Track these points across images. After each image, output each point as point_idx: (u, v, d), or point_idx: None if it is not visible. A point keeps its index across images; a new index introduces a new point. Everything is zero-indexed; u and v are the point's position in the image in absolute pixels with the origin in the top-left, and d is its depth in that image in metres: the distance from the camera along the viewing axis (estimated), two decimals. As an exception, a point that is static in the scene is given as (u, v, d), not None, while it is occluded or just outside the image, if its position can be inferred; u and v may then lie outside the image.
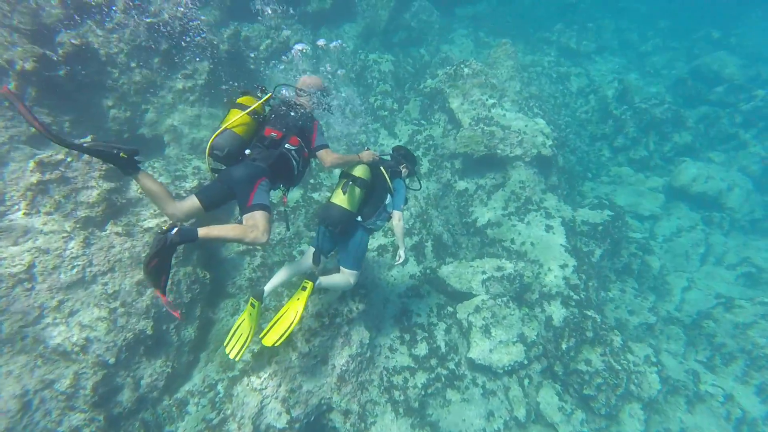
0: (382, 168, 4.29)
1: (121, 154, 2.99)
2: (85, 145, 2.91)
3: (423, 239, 7.23)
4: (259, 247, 3.45)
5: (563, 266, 6.59)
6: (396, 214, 4.34)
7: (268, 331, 4.01)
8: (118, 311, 4.54)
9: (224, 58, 9.39)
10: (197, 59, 8.64)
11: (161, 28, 7.75)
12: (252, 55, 10.20)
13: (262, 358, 4.85)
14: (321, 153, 3.80)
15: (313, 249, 4.47)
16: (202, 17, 10.34)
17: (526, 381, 5.71)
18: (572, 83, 12.52)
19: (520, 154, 7.67)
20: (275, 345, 3.87)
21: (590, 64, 14.56)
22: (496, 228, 7.20)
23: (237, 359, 4.08)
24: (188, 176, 6.94)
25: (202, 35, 8.87)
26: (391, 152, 4.84)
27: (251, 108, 3.53)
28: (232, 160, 3.50)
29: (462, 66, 8.91)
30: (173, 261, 3.61)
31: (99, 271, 4.60)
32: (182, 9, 8.16)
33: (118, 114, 7.33)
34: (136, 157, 3.10)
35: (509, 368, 5.62)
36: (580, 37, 15.20)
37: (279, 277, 4.37)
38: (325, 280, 4.21)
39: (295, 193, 8.03)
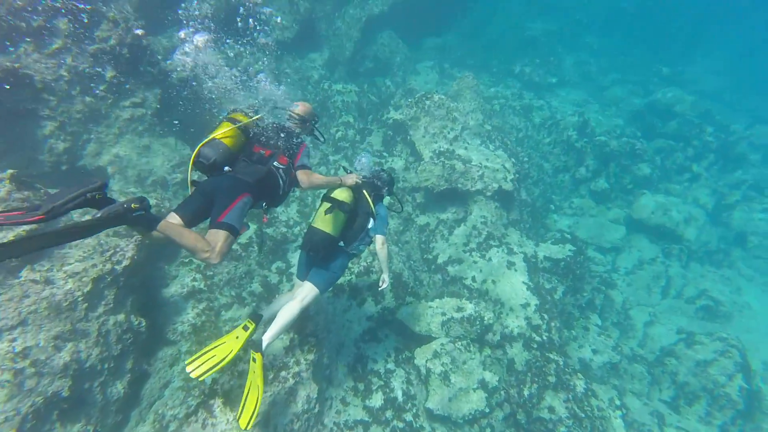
0: (365, 191, 4.23)
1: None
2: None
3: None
4: (205, 263, 3.30)
5: (525, 305, 6.40)
6: (379, 239, 4.22)
7: (241, 410, 3.77)
8: (26, 372, 4.00)
9: (178, 86, 9.04)
10: (148, 87, 8.28)
11: (107, 54, 7.37)
12: (210, 83, 9.87)
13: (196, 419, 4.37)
14: (300, 173, 3.77)
15: (300, 282, 4.34)
16: (161, 41, 10.03)
17: (487, 431, 5.39)
18: (535, 116, 12.70)
19: (481, 189, 7.55)
20: (248, 428, 3.67)
21: (552, 96, 14.90)
22: (457, 265, 6.98)
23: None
24: (130, 211, 6.44)
25: (154, 61, 8.53)
26: (370, 174, 4.67)
27: (243, 123, 3.53)
28: (215, 171, 3.42)
29: (424, 99, 8.84)
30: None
31: (5, 326, 4.07)
32: (131, 35, 7.82)
33: (55, 144, 6.83)
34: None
35: (470, 417, 5.30)
36: (542, 71, 15.61)
37: (271, 309, 4.33)
38: (269, 335, 3.89)
39: (249, 232, 7.63)
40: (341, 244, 4.10)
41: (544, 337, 6.06)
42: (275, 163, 3.61)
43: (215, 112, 9.99)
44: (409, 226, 7.84)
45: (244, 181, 3.39)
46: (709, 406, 6.34)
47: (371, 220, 4.21)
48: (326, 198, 4.13)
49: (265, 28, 11.63)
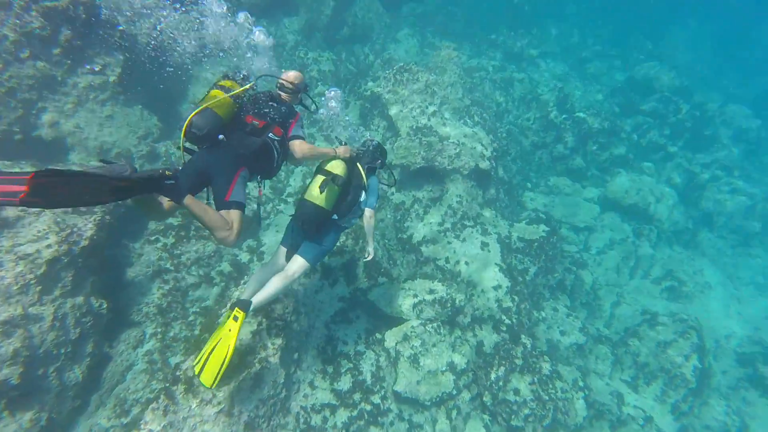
0: (358, 164, 4.20)
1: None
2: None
3: (355, 256, 6.83)
4: (218, 243, 3.25)
5: (497, 287, 6.44)
6: (368, 212, 4.23)
7: (202, 367, 3.68)
8: (-29, 362, 3.82)
9: (143, 53, 8.49)
10: (109, 52, 7.74)
11: (60, 13, 6.82)
12: (170, 50, 9.30)
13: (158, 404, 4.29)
14: (294, 143, 3.74)
15: (284, 249, 4.30)
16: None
17: (454, 412, 5.49)
18: (515, 89, 12.51)
19: (458, 167, 7.43)
20: (214, 385, 3.58)
21: (534, 69, 14.66)
22: (431, 245, 6.93)
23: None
24: (90, 186, 6.12)
25: (117, 23, 7.95)
26: (363, 146, 4.58)
27: (235, 92, 3.39)
28: (208, 141, 3.31)
29: (402, 71, 8.55)
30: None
31: (-53, 315, 3.85)
32: (88, -7, 7.22)
33: (4, 112, 6.37)
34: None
35: (437, 400, 5.37)
36: (525, 42, 15.29)
37: (256, 281, 4.24)
38: (259, 299, 3.95)
39: (217, 204, 7.38)
40: (334, 217, 4.03)
41: (514, 320, 6.14)
42: (270, 135, 3.56)
43: (185, 78, 9.48)
44: (384, 204, 7.71)
45: (240, 153, 3.35)
46: (665, 385, 6.62)
47: (363, 193, 4.18)
48: (319, 170, 4.03)
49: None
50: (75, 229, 4.92)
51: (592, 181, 10.87)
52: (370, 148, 4.50)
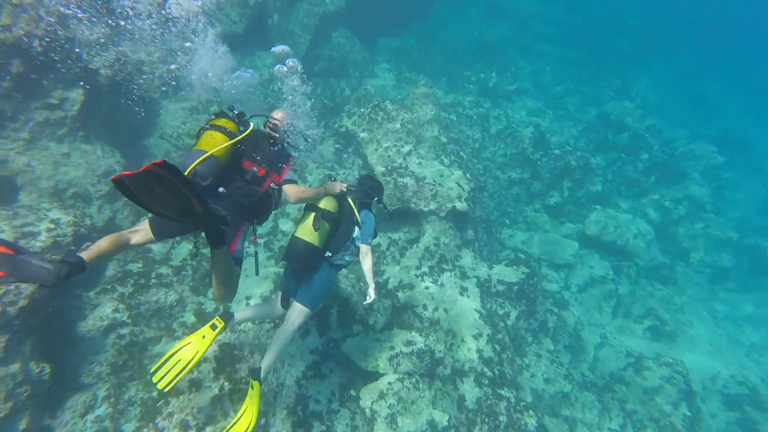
0: (349, 199, 4.15)
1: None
2: None
3: (328, 304, 6.45)
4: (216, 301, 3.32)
5: (477, 336, 6.14)
6: (363, 248, 4.06)
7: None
8: None
9: (105, 86, 8.15)
10: (68, 86, 7.37)
11: (12, 46, 6.47)
12: (141, 81, 8.98)
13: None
14: (287, 187, 3.57)
15: (280, 293, 4.26)
16: (88, 35, 9.03)
17: (435, 478, 5.07)
18: (491, 125, 12.58)
19: (434, 209, 7.22)
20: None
21: (509, 105, 14.87)
22: (408, 291, 6.61)
23: (166, 390, 3.50)
24: (40, 233, 5.67)
25: (77, 57, 7.61)
26: (357, 182, 4.52)
27: (240, 137, 3.18)
28: (209, 191, 3.11)
29: (378, 109, 8.41)
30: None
31: None
32: (45, 24, 6.90)
33: (-57, 150, 5.90)
34: None
35: (417, 463, 4.96)
36: (500, 79, 15.55)
37: (248, 312, 4.26)
38: (267, 362, 3.88)
39: (182, 248, 6.96)
40: (328, 254, 3.94)
41: (496, 372, 5.82)
42: (272, 184, 3.44)
43: (143, 114, 9.11)
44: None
45: (242, 205, 3.21)
46: (656, 435, 6.36)
47: (356, 229, 4.07)
48: (310, 207, 3.95)
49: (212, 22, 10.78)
50: (11, 288, 4.42)
51: (569, 217, 10.85)
52: (364, 183, 4.45)
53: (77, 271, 2.45)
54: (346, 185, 4.24)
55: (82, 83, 7.52)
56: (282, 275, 4.34)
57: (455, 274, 6.90)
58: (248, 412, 3.70)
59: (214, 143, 3.11)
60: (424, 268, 6.90)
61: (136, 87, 9.14)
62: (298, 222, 3.96)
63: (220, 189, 3.14)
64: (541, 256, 9.69)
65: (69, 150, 7.14)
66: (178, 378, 3.43)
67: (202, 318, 6.27)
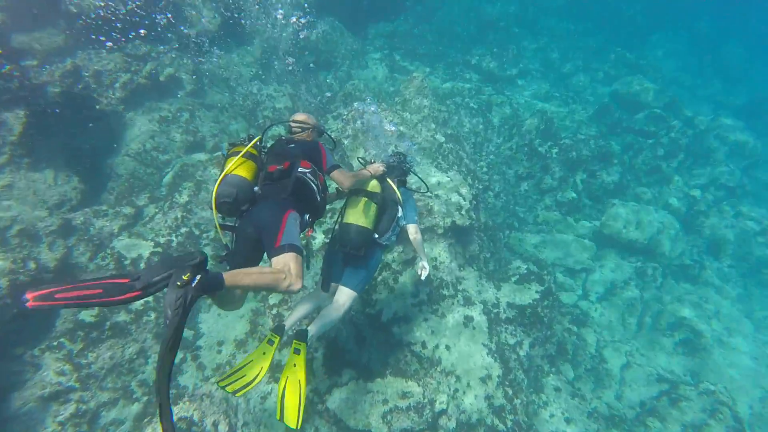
0: (389, 180, 4.18)
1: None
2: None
3: (314, 347, 5.59)
4: (287, 295, 3.29)
5: (485, 379, 5.25)
6: (411, 227, 4.21)
7: (281, 411, 3.38)
8: None
9: (56, 104, 7.24)
10: (6, 107, 6.49)
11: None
12: (95, 94, 8.06)
13: None
14: (335, 174, 3.64)
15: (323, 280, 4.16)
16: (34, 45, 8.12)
17: None
18: (495, 114, 11.50)
19: (432, 225, 6.28)
20: (299, 424, 3.30)
21: (513, 89, 13.72)
22: (404, 324, 5.73)
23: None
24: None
25: (16, 72, 6.73)
26: (393, 160, 4.53)
27: (246, 149, 3.19)
28: (244, 204, 3.08)
29: (363, 111, 7.42)
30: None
31: None
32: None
33: None
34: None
35: None
36: (502, 60, 14.36)
37: (298, 313, 4.11)
38: (315, 328, 3.73)
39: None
40: (375, 236, 3.94)
41: (509, 423, 4.94)
42: (300, 169, 3.36)
43: (105, 131, 8.19)
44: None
45: (280, 199, 3.16)
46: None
47: (399, 208, 4.14)
48: (355, 191, 3.96)
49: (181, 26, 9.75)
50: None
51: (585, 213, 9.82)
52: (396, 161, 4.49)
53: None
54: (385, 165, 4.19)
55: (24, 103, 6.66)
56: (324, 260, 4.22)
57: (457, 300, 5.99)
58: (292, 383, 3.46)
59: (229, 166, 3.14)
60: (422, 296, 5.99)
61: (98, 100, 8.26)
62: (344, 207, 3.95)
63: (255, 188, 3.12)
64: (555, 262, 8.73)
65: (11, 181, 6.30)
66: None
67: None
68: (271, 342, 3.72)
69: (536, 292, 6.56)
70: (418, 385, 5.06)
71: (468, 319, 5.83)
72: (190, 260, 2.12)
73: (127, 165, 8.01)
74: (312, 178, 3.43)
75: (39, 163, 6.74)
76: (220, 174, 3.10)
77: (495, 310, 6.14)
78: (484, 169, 9.54)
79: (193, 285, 2.08)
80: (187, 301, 2.04)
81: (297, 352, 3.53)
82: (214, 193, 3.00)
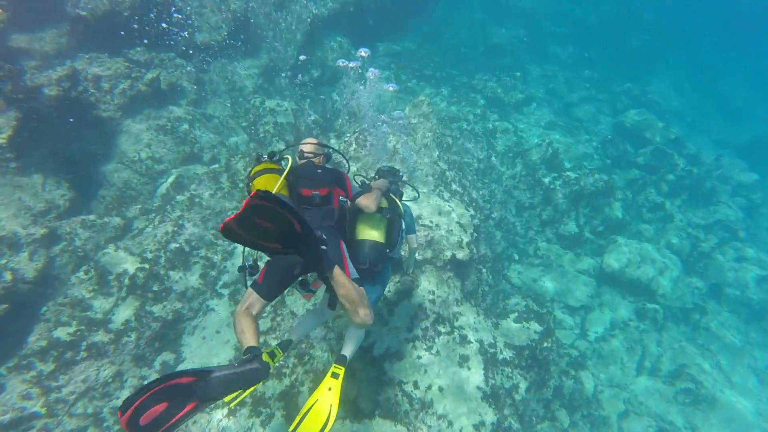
0: (391, 195, 4.27)
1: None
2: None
3: (297, 379, 5.30)
4: (359, 324, 3.00)
5: (479, 426, 4.97)
6: (412, 237, 4.41)
7: (296, 426, 3.24)
8: None
9: (51, 107, 7.03)
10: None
11: None
12: (93, 99, 7.85)
13: None
14: (361, 200, 3.69)
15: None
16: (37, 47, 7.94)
17: None
18: (498, 142, 11.38)
19: (430, 258, 6.05)
20: None
21: (518, 116, 13.62)
22: (396, 361, 5.45)
23: None
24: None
25: (8, 75, 6.52)
26: (377, 175, 4.59)
27: (288, 169, 3.26)
28: None
29: (366, 134, 7.24)
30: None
31: None
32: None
33: None
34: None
35: None
36: (508, 86, 14.30)
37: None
38: (348, 351, 3.76)
39: (126, 308, 5.82)
40: (387, 251, 3.95)
41: (502, 478, 4.65)
42: (340, 198, 3.49)
43: (100, 137, 7.96)
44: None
45: (327, 226, 3.24)
46: None
47: (402, 221, 4.21)
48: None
49: (182, 33, 9.61)
50: None
51: (586, 248, 9.62)
52: (391, 174, 4.57)
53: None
54: (387, 181, 4.26)
55: (16, 106, 6.44)
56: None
57: (453, 338, 5.73)
58: (322, 405, 3.34)
59: (273, 182, 3.13)
60: (417, 331, 5.73)
61: (96, 105, 8.04)
62: (353, 224, 3.89)
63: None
64: (555, 297, 8.50)
65: (-2, 187, 6.03)
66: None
67: (142, 400, 5.14)
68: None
69: (535, 332, 6.32)
70: (407, 430, 4.77)
71: (464, 359, 5.57)
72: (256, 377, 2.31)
73: (120, 173, 7.78)
74: (346, 206, 3.59)
75: (27, 168, 6.50)
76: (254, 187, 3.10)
77: (492, 350, 5.88)
78: (486, 197, 9.35)
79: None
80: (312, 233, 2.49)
81: (335, 376, 3.50)
82: None
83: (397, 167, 5.13)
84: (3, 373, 4.85)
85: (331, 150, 4.18)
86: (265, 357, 3.41)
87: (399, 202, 4.26)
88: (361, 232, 3.84)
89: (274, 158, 3.51)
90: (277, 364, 3.74)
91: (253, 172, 3.32)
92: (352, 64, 9.41)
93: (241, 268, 3.22)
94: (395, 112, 8.75)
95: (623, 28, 22.49)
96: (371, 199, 3.73)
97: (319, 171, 3.60)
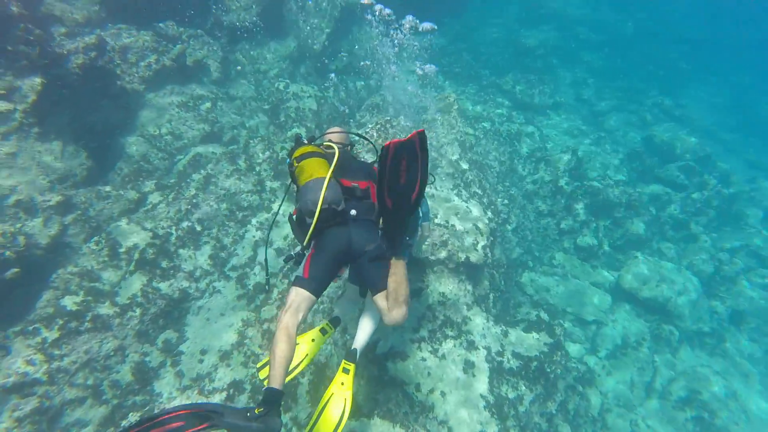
0: None
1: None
2: None
3: (303, 372, 5.21)
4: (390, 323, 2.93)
5: (479, 436, 4.83)
6: (426, 226, 4.37)
7: (313, 425, 3.22)
8: None
9: (76, 76, 7.03)
10: (21, 74, 6.27)
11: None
12: (118, 71, 7.84)
13: None
14: None
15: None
16: (72, 14, 7.94)
17: None
18: (523, 145, 11.11)
19: (443, 258, 5.89)
20: None
21: (544, 120, 13.31)
22: (399, 361, 5.33)
23: None
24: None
25: (36, 39, 6.49)
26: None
27: (337, 157, 3.19)
28: (341, 216, 3.05)
29: (388, 126, 7.09)
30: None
31: None
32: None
33: None
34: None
35: None
36: (536, 90, 13.94)
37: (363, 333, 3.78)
38: (360, 343, 3.61)
39: (134, 281, 5.81)
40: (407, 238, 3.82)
41: (499, 491, 4.51)
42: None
43: (123, 109, 7.94)
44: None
45: (370, 221, 3.19)
46: None
47: (419, 209, 4.17)
48: None
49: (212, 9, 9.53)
50: None
51: (603, 261, 9.34)
52: None
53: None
54: None
55: (40, 72, 6.44)
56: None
57: (460, 343, 5.58)
58: (336, 400, 3.31)
59: (323, 167, 3.09)
60: (423, 332, 5.59)
61: (121, 76, 8.03)
62: None
63: (353, 212, 3.09)
64: (567, 309, 8.27)
65: (16, 149, 6.05)
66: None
67: (142, 375, 5.13)
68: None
69: (545, 344, 6.13)
70: (406, 434, 4.66)
71: (469, 365, 5.42)
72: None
73: (139, 147, 7.77)
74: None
75: (48, 135, 6.50)
76: (305, 175, 3.06)
77: (499, 359, 5.72)
78: (505, 201, 9.13)
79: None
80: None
81: (346, 371, 3.43)
82: (322, 195, 2.90)
83: None
84: (9, 336, 4.86)
85: (360, 138, 4.22)
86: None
87: None
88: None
89: (315, 143, 3.47)
90: (329, 339, 3.94)
91: (298, 153, 3.27)
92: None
93: (289, 258, 3.17)
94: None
95: (662, 39, 21.78)
96: None
97: (355, 162, 3.58)
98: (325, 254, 3.00)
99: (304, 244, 3.05)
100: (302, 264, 3.04)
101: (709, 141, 15.84)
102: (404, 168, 2.57)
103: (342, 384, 3.36)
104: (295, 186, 3.29)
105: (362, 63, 12.05)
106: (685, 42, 22.21)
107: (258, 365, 3.88)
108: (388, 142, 2.41)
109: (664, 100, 16.43)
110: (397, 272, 2.96)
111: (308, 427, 3.19)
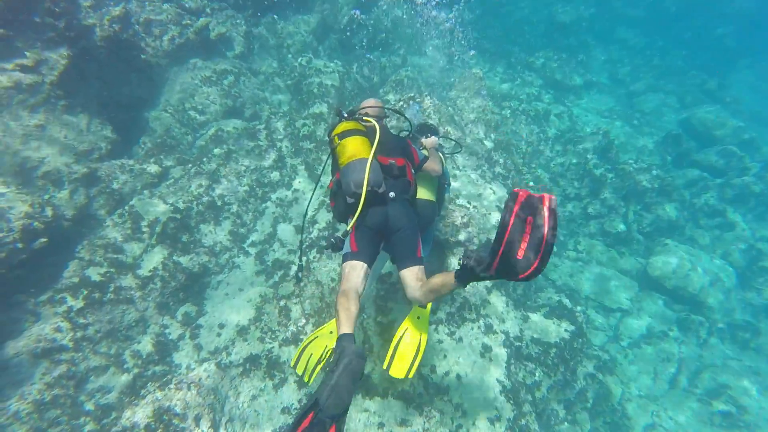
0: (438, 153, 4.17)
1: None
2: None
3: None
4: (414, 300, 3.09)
5: (493, 420, 4.77)
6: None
7: (391, 359, 3.55)
8: None
9: (101, 48, 7.05)
10: (48, 46, 6.31)
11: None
12: (143, 44, 7.83)
13: None
14: (428, 165, 3.77)
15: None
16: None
17: None
18: (551, 125, 10.72)
19: (463, 240, 5.74)
20: (411, 374, 3.51)
21: (575, 100, 12.80)
22: (416, 342, 5.27)
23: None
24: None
25: (62, 11, 6.50)
26: (415, 132, 4.31)
27: (379, 136, 3.16)
28: (381, 197, 3.10)
29: (411, 102, 6.89)
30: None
31: None
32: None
33: None
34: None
35: None
36: (568, 68, 13.38)
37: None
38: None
39: (155, 254, 5.89)
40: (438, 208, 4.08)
41: (512, 477, 4.46)
42: (412, 171, 3.43)
43: (147, 82, 7.96)
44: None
45: (406, 201, 3.24)
46: None
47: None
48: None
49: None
50: None
51: (632, 248, 9.02)
52: (434, 132, 4.44)
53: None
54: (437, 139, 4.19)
55: (66, 44, 6.47)
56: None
57: (479, 326, 5.48)
58: (412, 336, 3.59)
59: (365, 147, 3.09)
60: (441, 314, 5.51)
61: (145, 50, 8.04)
62: None
63: (391, 194, 3.11)
64: (590, 296, 8.06)
65: (44, 121, 6.14)
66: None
67: (162, 347, 5.23)
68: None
69: (566, 330, 5.97)
70: (420, 414, 4.64)
71: (486, 349, 5.32)
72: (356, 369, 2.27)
73: (163, 121, 7.81)
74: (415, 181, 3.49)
75: (74, 107, 6.57)
76: (346, 153, 3.07)
77: (517, 344, 5.60)
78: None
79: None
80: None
81: (419, 317, 3.68)
82: (366, 177, 2.91)
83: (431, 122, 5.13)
84: (39, 303, 5.02)
85: (393, 113, 4.25)
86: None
87: (443, 160, 4.24)
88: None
89: (354, 117, 3.44)
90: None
91: (340, 129, 3.25)
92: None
93: (329, 245, 3.17)
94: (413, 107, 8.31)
95: (707, 15, 20.46)
96: (437, 163, 3.84)
97: (391, 137, 3.51)
98: (367, 230, 3.11)
99: (348, 229, 3.09)
100: (346, 242, 3.14)
101: (755, 124, 14.97)
102: (528, 229, 2.13)
103: (418, 318, 3.61)
104: (332, 161, 3.34)
105: (386, 37, 11.77)
106: (734, 17, 20.80)
107: (291, 362, 3.99)
108: (517, 189, 2.14)
109: (706, 81, 15.54)
110: (447, 279, 2.81)
111: (384, 365, 3.39)
